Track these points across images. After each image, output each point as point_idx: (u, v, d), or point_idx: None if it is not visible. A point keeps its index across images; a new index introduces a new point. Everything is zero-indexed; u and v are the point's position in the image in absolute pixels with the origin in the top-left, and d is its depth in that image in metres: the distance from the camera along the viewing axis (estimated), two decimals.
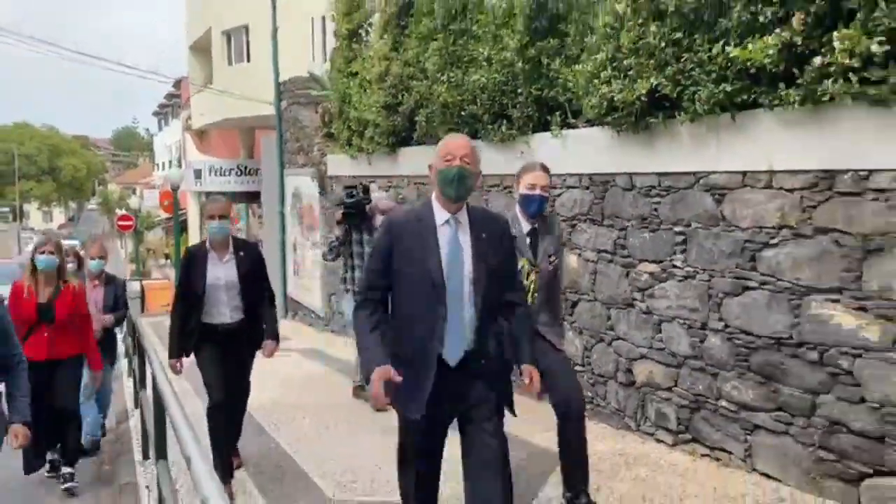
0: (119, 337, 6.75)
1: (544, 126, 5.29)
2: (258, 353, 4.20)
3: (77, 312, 4.48)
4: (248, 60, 19.72)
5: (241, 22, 19.68)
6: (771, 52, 3.26)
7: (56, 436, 4.59)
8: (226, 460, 3.85)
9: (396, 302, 2.61)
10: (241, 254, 4.06)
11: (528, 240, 3.34)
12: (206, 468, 1.90)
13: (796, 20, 3.13)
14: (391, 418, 5.45)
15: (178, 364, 4.02)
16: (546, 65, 5.12)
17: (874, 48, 2.83)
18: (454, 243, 2.52)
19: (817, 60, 3.08)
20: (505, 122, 5.63)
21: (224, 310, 4.00)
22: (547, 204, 3.42)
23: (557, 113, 5.10)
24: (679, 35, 3.80)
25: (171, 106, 42.03)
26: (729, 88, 3.53)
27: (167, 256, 31.44)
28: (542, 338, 3.27)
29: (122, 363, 8.07)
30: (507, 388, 2.64)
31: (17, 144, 57.61)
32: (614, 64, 4.27)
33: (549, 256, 3.36)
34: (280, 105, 12.86)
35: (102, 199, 63.14)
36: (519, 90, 5.39)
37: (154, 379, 3.35)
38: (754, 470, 3.74)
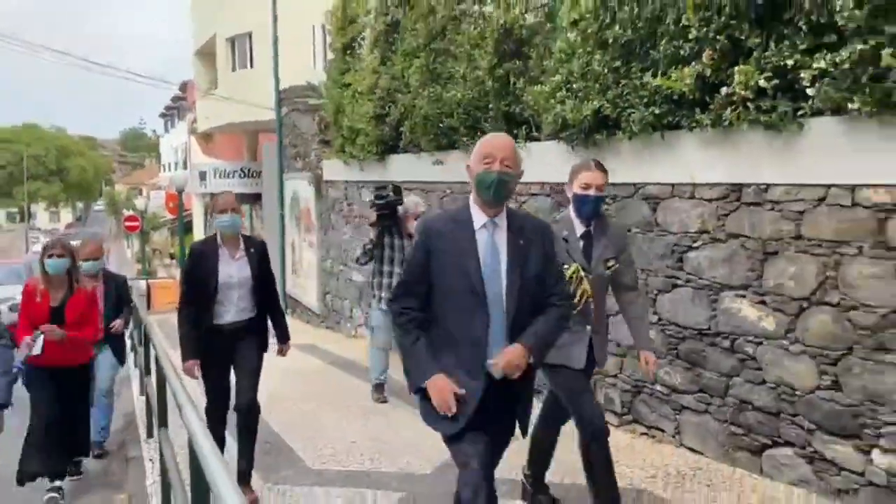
0: (126, 333, 6.37)
1: (512, 137, 5.81)
2: (265, 355, 4.01)
3: (89, 317, 4.33)
4: (252, 66, 20.30)
5: (244, 29, 20.25)
6: (688, 81, 3.79)
7: (63, 447, 4.33)
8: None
9: (435, 309, 2.46)
10: (252, 251, 3.90)
11: (581, 244, 3.11)
12: (202, 427, 2.13)
13: (706, 55, 3.65)
14: (375, 405, 6.06)
15: (196, 366, 3.74)
16: (513, 84, 5.65)
17: (762, 83, 3.35)
18: (492, 248, 2.41)
19: (723, 91, 3.61)
20: (479, 134, 6.15)
21: (232, 309, 3.82)
22: (603, 204, 3.23)
23: (523, 127, 5.62)
24: (618, 63, 4.33)
25: (178, 108, 42.71)
26: (657, 111, 4.06)
27: (172, 256, 32.06)
28: (591, 352, 3.12)
29: (130, 365, 7.90)
30: (529, 407, 2.59)
31: (25, 145, 58.51)
32: (567, 86, 4.79)
33: (606, 262, 3.12)
34: (280, 112, 13.43)
35: (109, 199, 63.93)
36: (490, 106, 5.92)
37: (157, 359, 3.70)
38: (682, 445, 4.25)
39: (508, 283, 2.39)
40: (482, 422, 2.38)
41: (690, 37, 3.77)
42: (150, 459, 4.82)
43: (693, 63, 3.78)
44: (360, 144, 8.79)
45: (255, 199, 20.77)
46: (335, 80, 9.78)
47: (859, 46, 2.88)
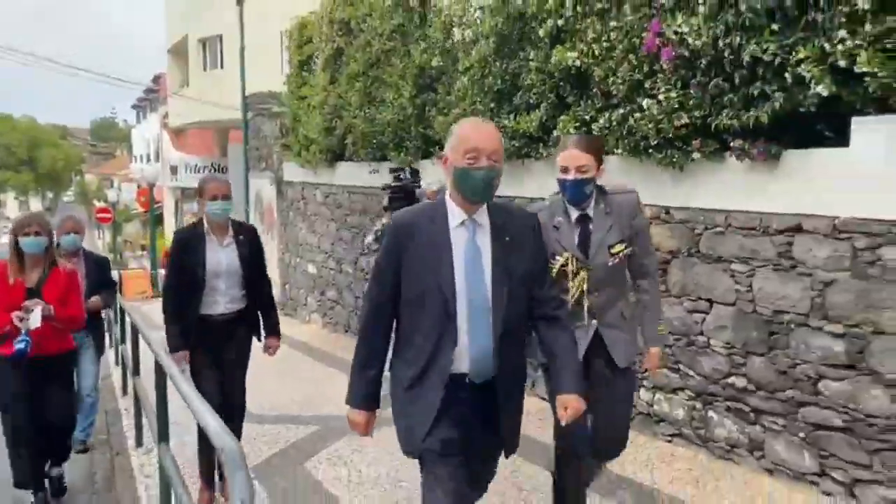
0: (105, 321, 5.98)
1: (427, 155, 7.11)
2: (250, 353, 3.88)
3: (70, 297, 3.88)
4: (222, 68, 21.31)
5: (215, 32, 21.22)
6: (534, 124, 5.11)
7: (46, 452, 4.03)
8: (213, 461, 3.68)
9: (402, 317, 2.24)
10: (241, 237, 3.70)
11: (577, 229, 2.74)
12: (218, 424, 1.92)
13: (542, 107, 4.98)
14: (313, 375, 7.29)
15: (184, 358, 3.56)
16: (427, 111, 6.93)
17: (572, 130, 4.69)
18: (472, 249, 2.16)
19: (554, 132, 4.94)
20: (403, 150, 7.44)
21: (220, 299, 3.63)
22: (588, 188, 2.70)
23: (437, 147, 6.91)
24: (493, 105, 5.64)
25: (150, 100, 43.25)
26: (517, 144, 5.38)
27: (143, 248, 32.84)
28: (604, 350, 2.78)
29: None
30: (518, 425, 2.36)
31: None
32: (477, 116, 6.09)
33: (611, 247, 2.72)
34: (246, 115, 14.56)
35: (79, 189, 63.98)
36: (411, 128, 7.20)
37: (157, 364, 3.23)
38: None
39: (495, 291, 2.14)
40: (460, 441, 2.19)
41: (535, 91, 5.10)
42: (146, 475, 4.43)
43: (536, 111, 5.11)
44: (314, 151, 10.01)
45: None
46: (293, 93, 10.98)
47: (620, 110, 4.23)
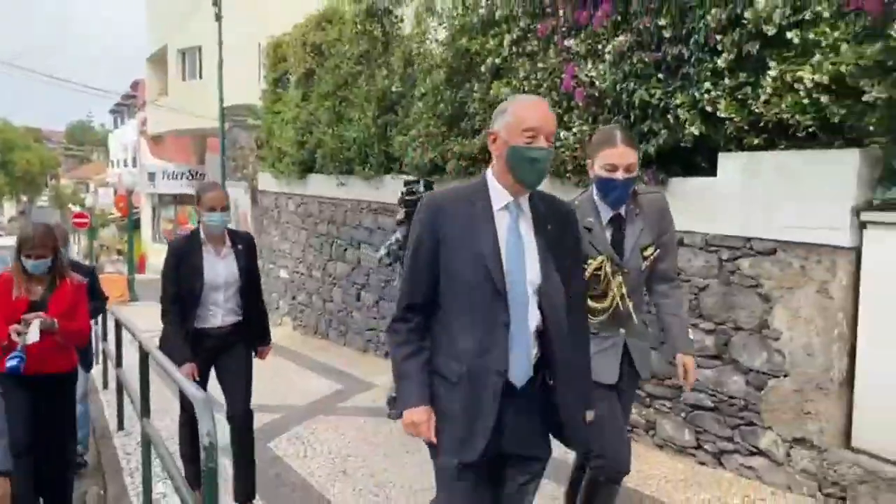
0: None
1: (388, 171, 7.76)
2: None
3: (76, 310, 3.61)
4: (201, 78, 21.84)
5: (194, 43, 21.77)
6: (477, 146, 5.79)
7: (44, 483, 3.60)
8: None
9: (443, 308, 2.03)
10: (240, 246, 3.62)
11: (609, 231, 2.58)
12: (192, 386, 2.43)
13: (483, 132, 5.67)
14: (281, 370, 7.87)
15: (193, 368, 3.41)
16: (388, 131, 7.59)
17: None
18: (514, 234, 2.01)
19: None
20: (368, 165, 8.08)
21: (218, 312, 3.55)
22: (631, 189, 2.55)
23: (397, 162, 7.57)
24: (444, 129, 6.31)
25: (128, 106, 43.42)
26: (463, 164, 6.05)
27: (120, 252, 32.99)
28: (627, 362, 2.62)
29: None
30: (577, 412, 2.11)
31: None
32: (418, 140, 6.75)
33: (643, 250, 2.59)
34: (224, 127, 15.12)
35: (54, 193, 63.59)
36: (374, 145, 7.85)
37: (140, 347, 3.47)
38: None
39: (542, 276, 1.99)
40: (495, 451, 2.00)
41: (478, 118, 5.78)
42: (128, 453, 4.88)
43: (479, 136, 5.79)
44: (286, 163, 10.61)
45: None
46: (268, 108, 11.58)
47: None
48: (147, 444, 3.59)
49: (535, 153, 1.96)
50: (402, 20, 7.39)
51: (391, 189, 7.49)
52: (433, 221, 2.01)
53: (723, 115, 3.71)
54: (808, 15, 3.23)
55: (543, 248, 2.02)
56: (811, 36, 3.22)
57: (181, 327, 3.50)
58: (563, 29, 4.75)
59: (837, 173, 3.28)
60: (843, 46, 3.10)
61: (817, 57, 3.19)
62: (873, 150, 3.19)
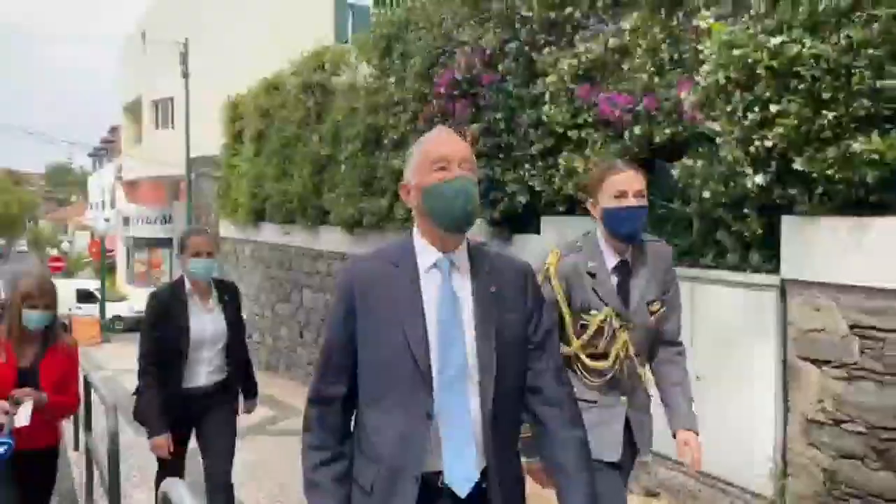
0: None
1: (324, 222, 8.84)
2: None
3: (67, 381, 3.17)
4: (173, 127, 22.99)
5: (167, 94, 22.96)
6: (384, 206, 6.89)
7: None
8: None
9: (359, 396, 1.68)
10: (226, 298, 3.32)
11: (615, 279, 2.27)
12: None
13: (387, 195, 6.78)
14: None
15: (168, 442, 3.17)
16: (321, 188, 8.70)
17: (375, 219, 6.47)
18: (448, 298, 1.63)
19: (393, 212, 6.73)
20: (306, 217, 9.17)
21: (202, 370, 3.24)
22: (644, 220, 2.27)
23: (329, 215, 8.65)
24: (361, 188, 7.43)
25: (106, 150, 44.44)
26: (375, 219, 7.14)
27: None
28: (628, 437, 2.30)
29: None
30: None
31: None
32: (341, 197, 7.84)
33: (650, 304, 2.29)
34: (190, 176, 16.19)
35: (33, 236, 63.95)
36: (311, 200, 8.95)
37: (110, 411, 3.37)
38: None
39: (482, 351, 1.61)
40: None
41: (383, 183, 6.90)
42: None
43: (385, 197, 6.90)
44: (242, 213, 11.68)
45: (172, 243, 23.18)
46: (226, 161, 12.69)
47: None
48: None
49: (453, 185, 1.59)
50: (333, 92, 8.55)
51: (325, 238, 8.58)
52: (349, 290, 1.65)
53: (538, 190, 4.84)
54: (580, 120, 4.38)
55: (486, 314, 1.63)
56: (583, 135, 4.37)
57: (158, 392, 3.18)
58: (438, 115, 5.90)
59: None
60: (603, 144, 4.25)
61: (588, 151, 4.34)
62: None
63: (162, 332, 3.24)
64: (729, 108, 3.34)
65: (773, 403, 3.42)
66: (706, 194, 3.55)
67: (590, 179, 2.44)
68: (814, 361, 3.24)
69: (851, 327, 3.08)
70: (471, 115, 5.51)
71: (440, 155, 1.64)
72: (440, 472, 1.61)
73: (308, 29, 17.12)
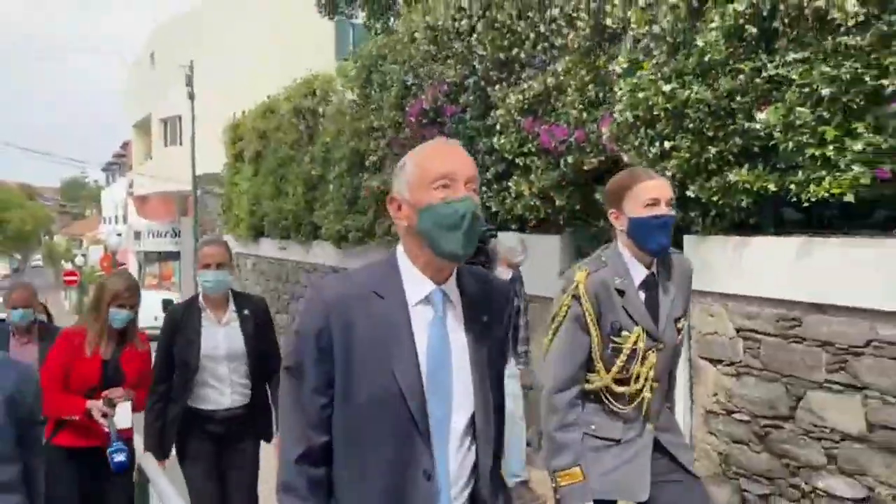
0: None
1: (317, 237, 9.42)
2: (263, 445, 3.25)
3: (146, 378, 3.19)
4: (181, 144, 23.68)
5: (175, 113, 23.69)
6: (366, 223, 7.45)
7: None
8: None
9: (339, 453, 1.43)
10: (246, 312, 3.12)
11: (642, 296, 2.09)
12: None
13: (370, 212, 7.35)
14: None
15: (161, 466, 3.02)
16: (313, 206, 9.28)
17: (360, 235, 7.03)
18: (440, 339, 1.42)
19: (377, 228, 7.29)
20: (300, 233, 9.75)
21: (224, 390, 3.06)
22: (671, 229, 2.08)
23: (320, 231, 9.23)
24: (347, 207, 8.00)
25: (119, 164, 45.42)
26: (360, 234, 7.71)
27: None
28: (666, 455, 2.12)
29: None
30: None
31: None
32: (330, 214, 8.42)
33: (676, 321, 2.13)
34: (196, 193, 16.87)
35: (48, 250, 65.13)
36: (304, 216, 9.53)
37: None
38: None
39: (480, 397, 1.44)
40: None
41: (366, 202, 7.46)
42: None
43: (368, 214, 7.46)
44: (243, 228, 12.30)
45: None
46: (228, 180, 13.34)
47: None
48: None
49: (459, 206, 1.38)
50: (322, 117, 9.14)
51: (317, 252, 9.17)
52: (322, 326, 1.40)
53: (494, 210, 5.39)
54: (526, 149, 4.93)
55: (478, 350, 1.46)
56: (528, 162, 4.92)
57: (158, 416, 3.05)
58: (410, 140, 6.46)
59: (550, 250, 4.93)
60: (545, 170, 4.80)
61: (532, 176, 4.88)
62: (566, 235, 4.86)
63: (174, 349, 3.09)
64: (636, 143, 3.88)
65: (683, 398, 3.93)
66: None
67: (612, 187, 2.16)
68: (711, 360, 3.76)
69: (737, 330, 3.59)
70: None
71: (445, 171, 1.39)
72: None
73: (310, 46, 17.84)
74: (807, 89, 3.06)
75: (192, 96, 17.82)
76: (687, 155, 3.63)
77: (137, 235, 27.75)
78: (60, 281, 37.68)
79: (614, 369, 2.07)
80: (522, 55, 5.01)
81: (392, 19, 10.60)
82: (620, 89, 3.96)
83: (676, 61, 3.69)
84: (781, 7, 3.14)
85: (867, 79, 2.85)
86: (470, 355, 1.46)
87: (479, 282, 1.54)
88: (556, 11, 4.53)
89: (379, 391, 1.39)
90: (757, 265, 3.47)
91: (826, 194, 3.03)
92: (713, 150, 3.53)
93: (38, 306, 4.08)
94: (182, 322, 3.11)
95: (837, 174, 2.98)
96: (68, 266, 40.57)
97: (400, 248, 1.48)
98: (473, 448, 1.46)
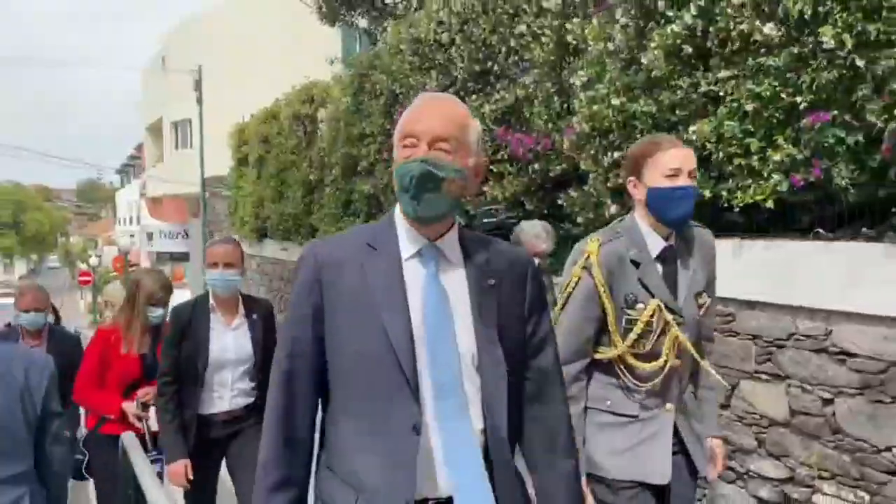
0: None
1: (314, 237, 9.77)
2: None
3: None
4: (191, 147, 24.15)
5: (185, 116, 24.17)
6: (359, 224, 7.80)
7: None
8: None
9: (332, 407, 1.44)
10: (255, 316, 3.09)
11: (660, 268, 2.02)
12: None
13: (362, 215, 7.68)
14: None
15: (186, 468, 2.94)
16: (311, 209, 9.63)
17: None
18: (435, 291, 1.39)
19: None
20: (299, 235, 10.11)
21: (226, 394, 3.04)
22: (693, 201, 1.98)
23: (318, 232, 9.57)
24: (341, 210, 8.33)
25: (133, 166, 46.18)
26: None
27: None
28: (681, 451, 2.05)
29: None
30: None
31: None
32: (325, 217, 8.77)
33: (697, 296, 2.04)
34: (205, 196, 17.30)
35: (64, 251, 66.18)
36: (302, 219, 9.89)
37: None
38: None
39: (483, 354, 1.39)
40: None
41: (360, 205, 7.79)
42: None
43: (360, 217, 7.79)
44: (247, 229, 12.69)
45: None
46: (234, 183, 13.73)
47: None
48: None
49: (401, 169, 1.36)
50: (320, 122, 9.49)
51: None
52: (313, 281, 1.41)
53: (472, 213, 5.69)
54: (499, 156, 5.23)
55: (486, 311, 1.42)
56: (501, 169, 5.22)
57: (174, 416, 2.99)
58: None
59: None
60: (515, 176, 5.09)
61: (505, 182, 5.18)
62: None
63: (182, 350, 3.01)
64: (592, 152, 4.18)
65: None
66: (580, 220, 4.37)
67: (632, 153, 2.09)
68: None
69: None
70: None
71: (408, 130, 1.38)
72: (439, 500, 1.36)
73: (318, 52, 18.18)
74: (735, 104, 3.35)
75: (200, 101, 18.25)
76: None
77: (150, 236, 28.31)
78: (76, 281, 38.44)
79: (628, 341, 2.00)
80: (496, 67, 5.31)
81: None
82: (580, 102, 4.25)
83: (627, 76, 3.99)
84: (712, 29, 3.42)
85: (784, 96, 3.13)
86: (472, 311, 1.42)
87: (488, 248, 1.49)
88: (523, 28, 4.82)
89: (368, 342, 1.37)
90: None
91: (751, 200, 3.32)
92: None
93: (50, 308, 4.00)
94: (190, 323, 3.03)
95: (761, 182, 3.27)
96: (84, 267, 41.32)
97: (397, 206, 1.48)
98: (476, 403, 1.40)
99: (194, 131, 23.65)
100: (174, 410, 3.00)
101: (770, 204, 3.22)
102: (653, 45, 3.68)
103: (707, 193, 3.56)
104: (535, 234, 3.80)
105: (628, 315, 2.00)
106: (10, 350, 2.33)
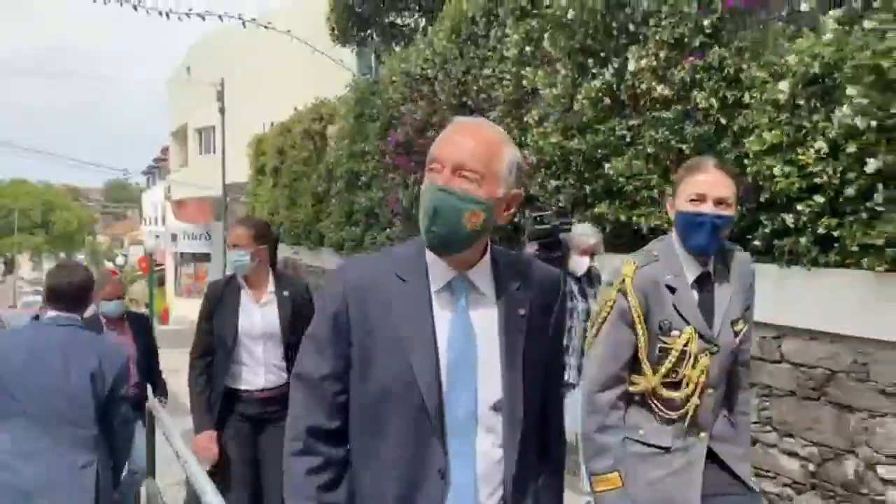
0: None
1: (322, 244, 10.67)
2: None
3: None
4: (214, 153, 25.20)
5: (209, 123, 25.22)
6: (359, 234, 8.66)
7: None
8: None
9: (355, 443, 1.42)
10: (286, 293, 3.14)
11: (695, 295, 1.97)
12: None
13: (361, 224, 8.56)
14: None
15: (212, 442, 3.02)
16: (319, 216, 10.52)
17: (352, 244, 8.22)
18: (461, 330, 1.37)
19: (365, 240, 8.50)
20: (309, 241, 11.02)
21: (258, 370, 3.07)
22: (724, 234, 1.96)
23: (325, 238, 10.47)
24: (345, 220, 9.22)
25: (159, 168, 47.66)
26: (354, 244, 8.93)
27: (147, 305, 36.37)
28: (724, 467, 2.00)
29: None
30: None
31: (13, 199, 62.98)
32: (332, 225, 9.65)
33: (734, 323, 1.98)
34: (226, 201, 18.32)
35: (91, 250, 68.05)
36: (312, 226, 10.79)
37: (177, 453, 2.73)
38: None
39: (508, 391, 1.37)
40: None
41: (361, 215, 8.67)
42: None
43: (359, 226, 8.67)
44: None
45: None
46: (252, 190, 14.72)
47: (387, 231, 7.80)
48: None
49: (423, 198, 1.33)
50: (329, 138, 10.38)
51: (323, 257, 10.45)
52: (341, 307, 1.37)
53: None
54: None
55: (509, 351, 1.37)
56: None
57: (203, 388, 3.12)
58: (392, 165, 7.64)
59: None
60: None
61: None
62: None
63: (213, 325, 3.14)
64: (539, 180, 5.00)
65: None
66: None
67: (676, 175, 2.09)
68: None
69: None
70: (413, 168, 7.24)
71: (434, 155, 1.34)
72: None
73: (335, 68, 19.04)
74: (640, 147, 4.16)
75: (222, 111, 19.29)
76: (572, 191, 4.74)
77: (174, 237, 29.51)
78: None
79: (661, 371, 1.93)
80: (470, 102, 6.15)
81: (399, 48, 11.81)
82: (532, 137, 5.08)
83: (566, 118, 4.81)
84: (622, 87, 4.23)
85: (673, 143, 3.94)
86: (501, 350, 1.36)
87: (518, 267, 1.43)
88: (488, 71, 5.65)
89: (394, 377, 1.33)
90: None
91: (653, 224, 4.12)
92: (588, 188, 4.64)
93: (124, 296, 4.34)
94: (221, 298, 3.15)
95: (660, 211, 4.07)
96: (110, 265, 42.83)
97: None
98: (493, 440, 1.37)
99: (218, 138, 24.77)
100: (204, 384, 3.12)
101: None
102: (580, 96, 4.49)
103: (622, 218, 4.37)
104: (582, 231, 3.87)
105: (663, 343, 1.95)
106: (91, 338, 2.69)
